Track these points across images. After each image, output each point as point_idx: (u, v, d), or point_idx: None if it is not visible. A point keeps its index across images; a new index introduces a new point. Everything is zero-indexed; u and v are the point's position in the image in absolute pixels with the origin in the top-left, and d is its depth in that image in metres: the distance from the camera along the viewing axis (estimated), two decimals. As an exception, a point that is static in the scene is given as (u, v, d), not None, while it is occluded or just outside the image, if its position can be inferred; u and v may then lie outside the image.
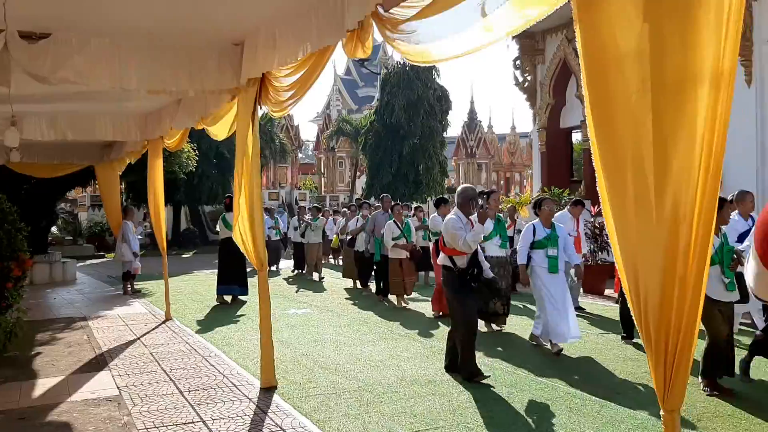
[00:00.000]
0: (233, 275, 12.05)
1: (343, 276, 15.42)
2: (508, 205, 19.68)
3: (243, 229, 5.95)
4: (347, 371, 6.87)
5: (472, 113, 44.60)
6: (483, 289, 6.61)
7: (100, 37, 5.32)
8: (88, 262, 23.18)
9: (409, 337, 8.75)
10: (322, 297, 13.14)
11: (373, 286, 13.26)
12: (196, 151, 19.75)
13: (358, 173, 41.18)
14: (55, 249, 20.14)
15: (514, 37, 19.94)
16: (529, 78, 20.16)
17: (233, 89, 6.09)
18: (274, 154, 34.70)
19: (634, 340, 8.09)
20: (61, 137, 9.22)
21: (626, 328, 8.25)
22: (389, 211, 12.01)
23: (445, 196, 15.24)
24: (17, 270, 7.22)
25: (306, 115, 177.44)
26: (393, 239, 11.07)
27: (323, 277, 16.30)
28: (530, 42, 19.93)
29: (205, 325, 9.96)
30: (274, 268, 18.41)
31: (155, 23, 5.26)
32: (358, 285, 14.20)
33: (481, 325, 8.58)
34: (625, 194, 2.03)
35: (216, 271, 12.48)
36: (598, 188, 2.19)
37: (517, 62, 20.28)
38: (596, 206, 13.54)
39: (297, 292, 14.08)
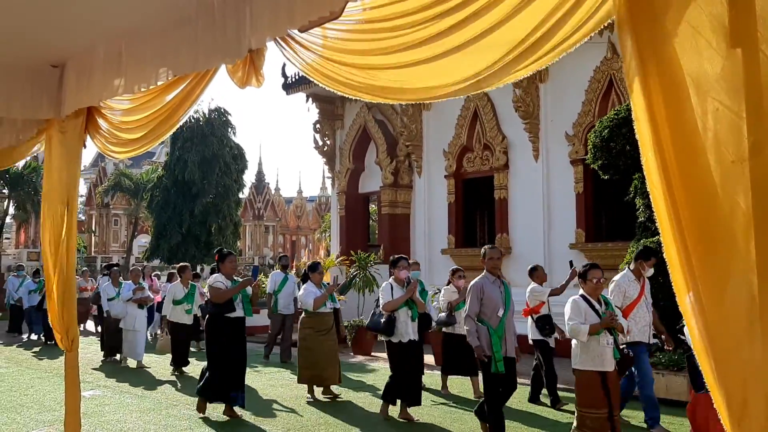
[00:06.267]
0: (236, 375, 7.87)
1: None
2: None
3: (55, 296, 4.70)
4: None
5: (260, 175, 44.13)
6: None
7: None
8: None
9: None
10: (118, 374, 11.34)
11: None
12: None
13: (136, 233, 38.01)
14: None
15: (314, 101, 20.06)
16: (328, 142, 20.25)
17: (44, 121, 4.90)
18: (36, 206, 30.70)
19: None
20: None
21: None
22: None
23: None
24: None
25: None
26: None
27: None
28: (330, 107, 20.11)
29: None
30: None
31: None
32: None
33: None
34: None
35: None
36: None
37: (317, 126, 20.31)
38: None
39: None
